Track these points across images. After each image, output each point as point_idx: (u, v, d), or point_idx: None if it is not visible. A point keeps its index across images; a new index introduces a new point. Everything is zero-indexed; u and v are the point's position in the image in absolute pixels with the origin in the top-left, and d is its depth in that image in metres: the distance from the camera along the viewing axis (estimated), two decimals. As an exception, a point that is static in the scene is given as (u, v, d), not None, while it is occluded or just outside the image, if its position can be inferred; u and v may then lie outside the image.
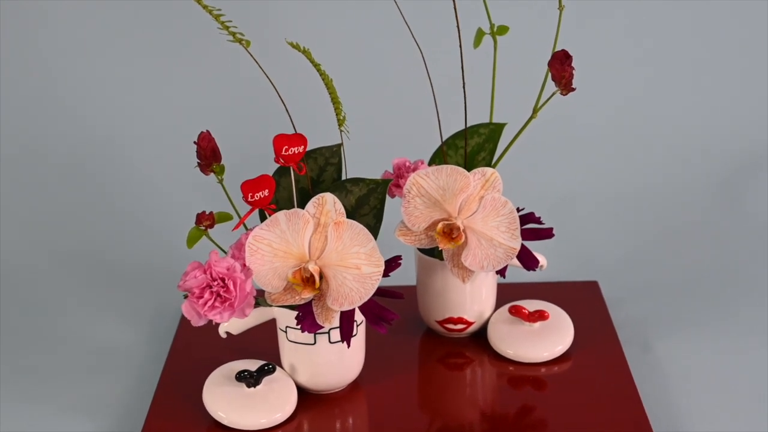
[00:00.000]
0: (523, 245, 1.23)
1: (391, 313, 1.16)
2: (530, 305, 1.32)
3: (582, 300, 1.40)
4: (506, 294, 1.38)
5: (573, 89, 1.17)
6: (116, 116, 1.70)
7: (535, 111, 1.23)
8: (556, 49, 1.20)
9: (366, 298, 1.12)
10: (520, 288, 1.42)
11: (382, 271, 1.13)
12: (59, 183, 1.66)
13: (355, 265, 1.12)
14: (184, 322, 1.37)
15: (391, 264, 1.17)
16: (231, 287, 1.09)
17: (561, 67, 1.15)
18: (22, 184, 1.66)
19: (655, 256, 1.55)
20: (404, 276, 1.31)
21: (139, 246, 1.59)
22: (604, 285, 1.46)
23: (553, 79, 1.17)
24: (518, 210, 1.22)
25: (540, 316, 1.30)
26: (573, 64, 1.16)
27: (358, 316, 1.20)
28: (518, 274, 1.38)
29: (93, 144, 1.69)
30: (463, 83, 1.23)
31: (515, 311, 1.30)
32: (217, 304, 1.09)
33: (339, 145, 1.23)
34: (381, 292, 1.16)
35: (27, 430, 1.23)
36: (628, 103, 1.72)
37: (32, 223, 1.62)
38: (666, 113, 1.71)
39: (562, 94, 1.17)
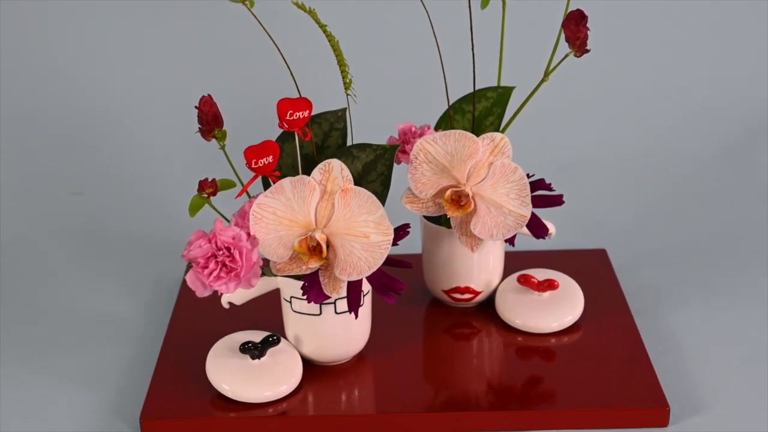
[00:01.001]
0: (532, 213, 1.20)
1: (400, 282, 1.14)
2: (539, 274, 1.30)
3: (590, 268, 1.38)
4: (512, 262, 1.36)
5: (587, 51, 1.14)
6: (115, 83, 1.68)
7: (547, 74, 1.20)
8: (567, 10, 1.16)
9: (375, 268, 1.10)
10: (526, 256, 1.41)
11: (392, 240, 1.10)
12: (57, 152, 1.64)
13: (363, 233, 1.10)
14: (184, 292, 1.35)
15: (400, 232, 1.14)
16: (237, 257, 1.07)
17: (576, 27, 1.12)
18: (19, 153, 1.63)
19: (664, 223, 1.53)
20: (409, 245, 1.29)
21: (138, 214, 1.56)
22: (612, 253, 1.44)
23: (567, 41, 1.14)
24: (528, 176, 1.19)
25: (549, 285, 1.27)
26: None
27: (365, 286, 1.17)
28: (524, 241, 1.36)
29: (91, 111, 1.67)
30: (472, 45, 1.21)
31: (524, 280, 1.28)
32: (222, 274, 1.07)
33: (344, 110, 1.21)
34: (389, 261, 1.13)
35: (26, 402, 1.21)
36: (638, 67, 1.70)
37: (30, 193, 1.60)
38: (674, 77, 1.70)
39: (575, 55, 1.14)
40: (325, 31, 1.14)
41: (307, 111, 1.12)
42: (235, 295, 1.18)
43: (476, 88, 1.26)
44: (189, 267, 1.09)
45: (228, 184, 1.14)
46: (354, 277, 1.10)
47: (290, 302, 1.18)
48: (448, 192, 1.18)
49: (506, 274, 1.32)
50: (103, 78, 1.68)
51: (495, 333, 1.27)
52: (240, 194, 1.13)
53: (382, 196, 1.16)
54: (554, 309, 1.27)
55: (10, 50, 1.66)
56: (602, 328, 1.27)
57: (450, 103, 1.26)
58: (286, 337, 1.21)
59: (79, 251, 1.49)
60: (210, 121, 1.12)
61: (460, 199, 1.18)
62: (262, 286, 1.18)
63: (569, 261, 1.39)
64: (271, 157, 1.10)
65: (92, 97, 1.67)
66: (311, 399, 1.17)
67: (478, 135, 1.21)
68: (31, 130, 1.65)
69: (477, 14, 1.22)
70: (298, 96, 1.13)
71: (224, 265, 1.07)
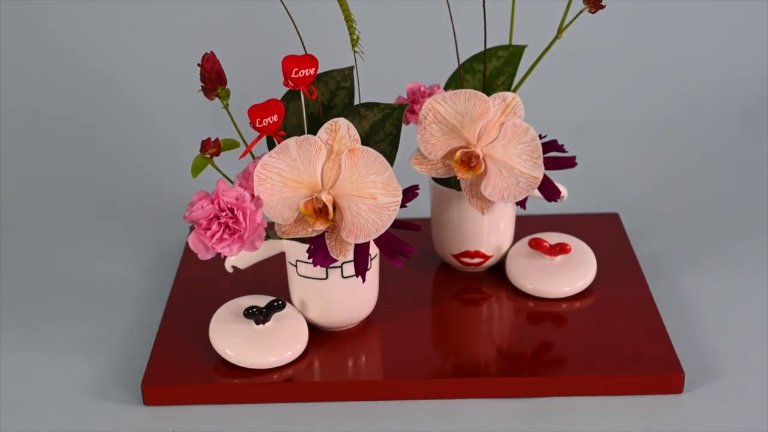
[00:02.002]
0: (544, 175, 1.18)
1: (408, 246, 1.11)
2: (551, 238, 1.28)
3: (603, 233, 1.36)
4: (523, 226, 1.34)
5: (602, 6, 1.11)
6: (115, 42, 1.66)
7: (560, 31, 1.17)
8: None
9: (383, 230, 1.08)
10: (537, 220, 1.39)
11: (400, 201, 1.07)
12: (58, 114, 1.62)
13: (370, 194, 1.07)
14: (188, 255, 1.34)
15: (408, 194, 1.12)
16: (240, 218, 1.04)
17: (591, -18, 1.09)
18: (21, 117, 1.61)
19: (678, 187, 1.50)
20: (418, 208, 1.27)
21: (139, 176, 1.54)
22: (625, 217, 1.42)
23: (581, -4, 1.11)
24: (540, 137, 1.17)
25: (561, 249, 1.25)
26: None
27: (373, 250, 1.15)
28: (535, 205, 1.34)
29: (92, 72, 1.64)
30: (483, 2, 1.18)
31: (536, 244, 1.26)
32: (225, 236, 1.04)
33: (351, 68, 1.18)
34: (397, 223, 1.11)
35: (26, 367, 1.20)
36: (655, 27, 1.67)
37: (31, 155, 1.58)
38: (690, 38, 1.67)
39: (590, 12, 1.12)
40: (331, -14, 1.11)
41: (313, 69, 1.09)
42: (239, 259, 1.16)
43: (487, 47, 1.23)
44: (192, 229, 1.07)
45: (231, 144, 1.11)
46: (361, 240, 1.08)
47: (296, 266, 1.16)
48: (458, 153, 1.16)
49: (516, 238, 1.30)
50: (103, 37, 1.66)
51: (505, 298, 1.25)
52: (244, 155, 1.10)
53: (390, 157, 1.13)
54: (566, 273, 1.25)
55: (8, 13, 1.64)
56: (615, 293, 1.25)
57: (460, 62, 1.24)
58: (291, 302, 1.19)
59: (80, 214, 1.48)
60: (213, 79, 1.09)
61: (470, 160, 1.16)
62: (267, 249, 1.16)
63: (581, 225, 1.37)
64: (275, 116, 1.08)
65: (92, 57, 1.65)
66: (317, 365, 1.15)
67: (488, 95, 1.19)
68: (32, 92, 1.63)
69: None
70: (304, 53, 1.10)
71: (227, 226, 1.05)
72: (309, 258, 1.11)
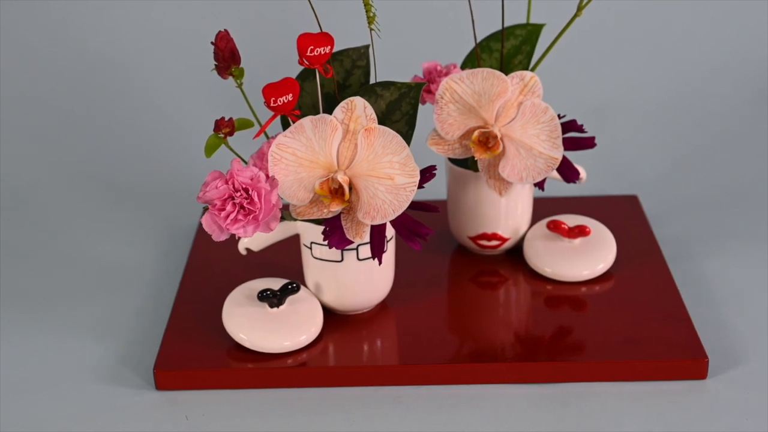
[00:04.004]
0: (563, 156, 1.16)
1: (426, 227, 1.09)
2: (570, 220, 1.26)
3: (622, 215, 1.35)
4: (541, 208, 1.32)
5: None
6: (128, 19, 1.64)
7: (580, 8, 1.15)
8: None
9: (399, 211, 1.06)
10: (555, 202, 1.37)
11: (417, 182, 1.06)
12: (69, 95, 1.61)
13: (387, 175, 1.05)
14: (200, 237, 1.32)
15: (426, 174, 1.10)
16: (255, 198, 1.03)
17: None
18: (27, 98, 1.60)
19: (698, 169, 1.49)
20: (434, 190, 1.26)
21: (152, 156, 1.53)
22: (644, 199, 1.40)
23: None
24: (559, 117, 1.15)
25: (581, 231, 1.23)
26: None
27: (389, 232, 1.13)
28: (553, 187, 1.32)
29: (103, 51, 1.63)
30: (501, -21, 1.16)
31: (554, 226, 1.24)
32: (240, 217, 1.03)
33: (367, 47, 1.16)
34: (414, 205, 1.09)
35: (37, 352, 1.18)
36: (671, 6, 1.64)
37: (39, 138, 1.57)
38: (707, 19, 1.65)
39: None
40: (347, -38, 1.09)
41: (329, 47, 1.07)
42: (252, 241, 1.15)
43: (505, 26, 1.21)
44: (205, 210, 1.06)
45: (245, 124, 1.10)
46: (378, 221, 1.06)
47: (310, 248, 1.14)
48: (476, 133, 1.14)
49: (534, 220, 1.29)
50: (115, 14, 1.64)
51: (523, 281, 1.24)
52: (258, 134, 1.08)
53: (407, 137, 1.11)
54: (585, 256, 1.23)
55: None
56: (635, 276, 1.23)
57: (477, 41, 1.22)
58: (305, 285, 1.18)
59: (92, 195, 1.47)
60: (227, 57, 1.08)
61: (488, 140, 1.14)
62: (281, 231, 1.15)
63: (600, 207, 1.36)
64: (290, 95, 1.06)
65: (104, 36, 1.64)
66: (332, 349, 1.14)
67: (506, 74, 1.17)
68: (42, 75, 1.62)
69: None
70: (319, 31, 1.08)
71: (242, 207, 1.03)
72: (324, 240, 1.09)
